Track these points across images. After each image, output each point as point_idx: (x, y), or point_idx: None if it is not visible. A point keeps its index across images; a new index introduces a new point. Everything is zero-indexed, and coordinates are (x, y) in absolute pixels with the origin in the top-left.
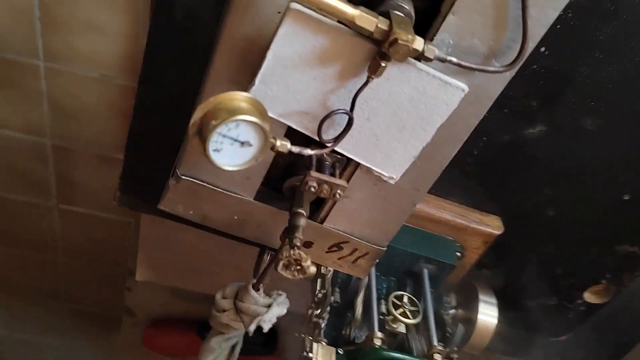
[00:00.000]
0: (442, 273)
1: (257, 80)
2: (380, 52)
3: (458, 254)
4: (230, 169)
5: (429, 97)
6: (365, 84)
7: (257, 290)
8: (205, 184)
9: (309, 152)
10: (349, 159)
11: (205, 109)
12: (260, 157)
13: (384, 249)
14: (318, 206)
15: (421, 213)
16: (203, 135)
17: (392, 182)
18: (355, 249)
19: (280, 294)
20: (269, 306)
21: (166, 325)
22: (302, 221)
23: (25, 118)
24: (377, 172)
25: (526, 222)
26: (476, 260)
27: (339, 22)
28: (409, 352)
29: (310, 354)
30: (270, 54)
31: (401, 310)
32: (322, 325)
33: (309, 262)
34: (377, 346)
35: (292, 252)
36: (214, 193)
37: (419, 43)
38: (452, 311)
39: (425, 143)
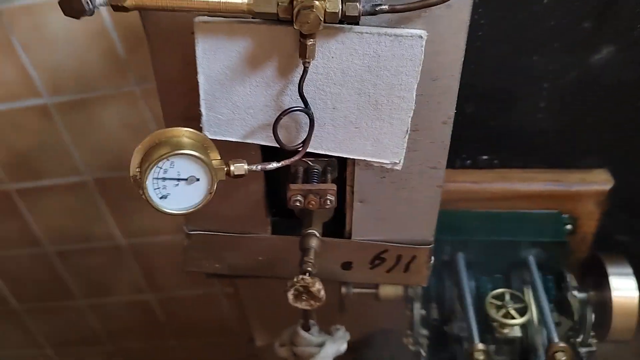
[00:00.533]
0: (554, 254)
1: (203, 110)
2: (300, 31)
3: (568, 226)
4: (185, 212)
5: (387, 60)
6: (305, 71)
7: (307, 329)
8: (215, 233)
9: (273, 165)
10: (342, 160)
11: (136, 161)
12: (214, 188)
13: (431, 245)
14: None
15: (507, 192)
16: (141, 187)
17: (398, 168)
18: (399, 256)
19: (338, 328)
20: (323, 345)
21: None
22: (313, 242)
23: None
24: (377, 162)
25: None
26: (596, 228)
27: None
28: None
29: None
30: (201, 78)
31: (504, 311)
32: (422, 351)
33: (317, 286)
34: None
35: (295, 280)
36: (228, 239)
37: (332, 4)
38: (580, 295)
39: (411, 111)
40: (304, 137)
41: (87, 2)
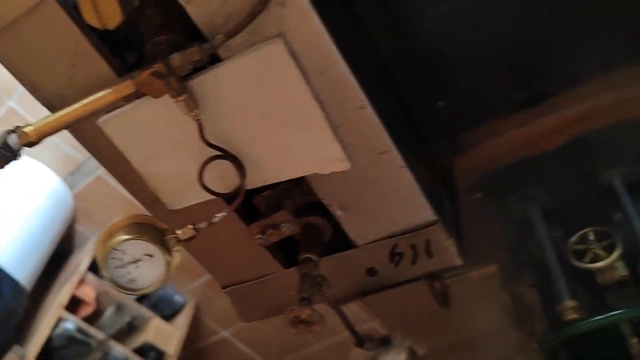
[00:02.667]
0: None
1: (155, 191)
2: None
3: None
4: (157, 284)
5: (265, 76)
6: (199, 123)
7: (359, 345)
8: (243, 284)
9: (217, 217)
10: (295, 183)
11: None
12: (171, 257)
13: (435, 224)
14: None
15: (561, 121)
16: (110, 281)
17: (347, 166)
18: (412, 245)
19: (395, 337)
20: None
21: None
22: (307, 267)
23: None
24: (325, 170)
25: None
26: None
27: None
28: None
29: None
30: (134, 163)
31: (590, 255)
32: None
33: (306, 312)
34: (570, 319)
35: (285, 313)
36: (256, 286)
37: (177, 60)
38: None
39: (319, 112)
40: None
41: (3, 153)
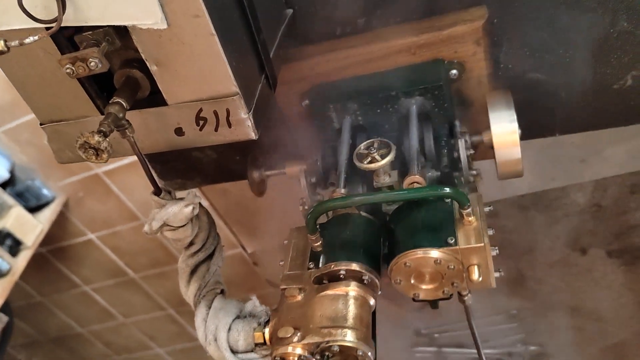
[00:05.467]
0: (437, 101)
1: None
2: None
3: (453, 72)
4: None
5: None
6: None
7: (157, 194)
8: (62, 122)
9: (30, 39)
10: (119, 34)
11: None
12: None
13: (235, 95)
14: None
15: (384, 50)
16: None
17: (163, 26)
18: (215, 112)
19: (190, 192)
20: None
21: None
22: (113, 109)
23: None
24: (142, 23)
25: None
26: (488, 66)
27: None
28: None
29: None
30: None
31: (369, 159)
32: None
33: (96, 139)
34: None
35: (79, 135)
36: (74, 126)
37: None
38: (465, 137)
39: None
40: None
41: None
